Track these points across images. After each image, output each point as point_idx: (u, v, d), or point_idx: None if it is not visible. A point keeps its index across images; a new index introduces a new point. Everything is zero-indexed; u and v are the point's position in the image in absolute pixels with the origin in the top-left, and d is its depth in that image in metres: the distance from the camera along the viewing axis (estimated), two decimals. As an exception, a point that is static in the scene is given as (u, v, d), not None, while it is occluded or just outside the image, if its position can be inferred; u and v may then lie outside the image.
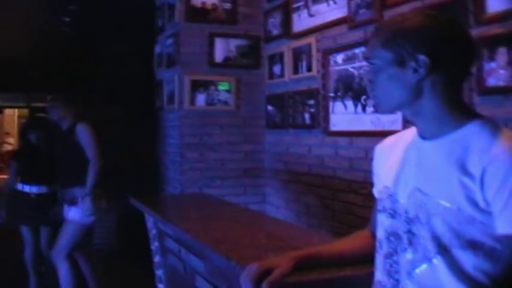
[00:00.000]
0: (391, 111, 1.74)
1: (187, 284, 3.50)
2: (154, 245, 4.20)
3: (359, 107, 4.41)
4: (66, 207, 5.15)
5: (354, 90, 4.47)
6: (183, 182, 5.76)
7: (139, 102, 7.80)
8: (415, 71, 1.59)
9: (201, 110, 5.77)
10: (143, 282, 5.17)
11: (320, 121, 4.96)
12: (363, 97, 4.34)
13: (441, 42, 1.60)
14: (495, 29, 3.19)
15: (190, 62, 5.75)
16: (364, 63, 4.26)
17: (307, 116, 5.16)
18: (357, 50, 4.43)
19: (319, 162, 5.03)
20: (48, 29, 9.19)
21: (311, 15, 5.06)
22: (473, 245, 1.53)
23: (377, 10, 4.17)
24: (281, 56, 5.55)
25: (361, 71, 4.35)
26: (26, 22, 8.88)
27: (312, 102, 5.07)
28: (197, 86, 5.73)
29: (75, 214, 5.06)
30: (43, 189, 5.84)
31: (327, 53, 4.81)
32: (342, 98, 4.61)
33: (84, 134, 5.05)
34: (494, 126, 1.59)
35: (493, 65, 3.17)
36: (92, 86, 9.87)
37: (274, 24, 5.71)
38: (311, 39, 5.04)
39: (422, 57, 1.58)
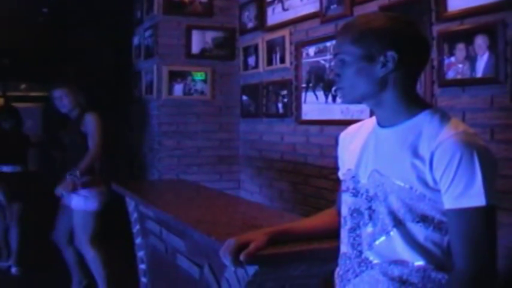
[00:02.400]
0: (355, 102, 1.91)
1: (168, 263, 3.63)
2: (136, 227, 4.30)
3: (329, 98, 4.57)
4: (68, 196, 5.10)
5: (324, 81, 4.63)
6: (161, 168, 5.89)
7: (115, 92, 7.87)
8: (384, 65, 1.77)
9: (178, 99, 5.91)
10: (122, 265, 5.28)
11: (292, 110, 5.10)
12: (333, 88, 4.47)
13: (406, 41, 1.79)
14: (455, 26, 3.39)
15: (168, 53, 5.87)
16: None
17: (280, 105, 5.30)
18: (328, 43, 4.58)
19: (291, 149, 5.16)
20: (25, 18, 9.16)
21: (285, 9, 5.19)
22: (424, 219, 1.73)
23: (347, 6, 4.33)
24: (256, 48, 5.67)
25: (332, 63, 4.51)
26: (2, 11, 8.85)
27: (285, 92, 5.21)
28: (175, 76, 5.86)
29: (77, 202, 5.05)
30: (17, 169, 6.20)
31: (299, 46, 4.96)
32: (314, 89, 4.77)
33: (91, 124, 5.00)
34: (443, 115, 1.79)
35: (452, 59, 3.38)
36: (67, 76, 9.89)
37: (249, 17, 5.83)
38: (285, 32, 5.17)
39: (391, 53, 1.75)
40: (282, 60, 5.24)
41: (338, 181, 2.11)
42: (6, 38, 9.88)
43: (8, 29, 9.57)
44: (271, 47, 5.42)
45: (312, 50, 4.81)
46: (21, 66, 11.52)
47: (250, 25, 5.84)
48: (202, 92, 5.97)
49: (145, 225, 4.10)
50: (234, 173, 6.14)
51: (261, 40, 5.58)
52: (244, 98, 5.99)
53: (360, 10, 4.19)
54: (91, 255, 5.09)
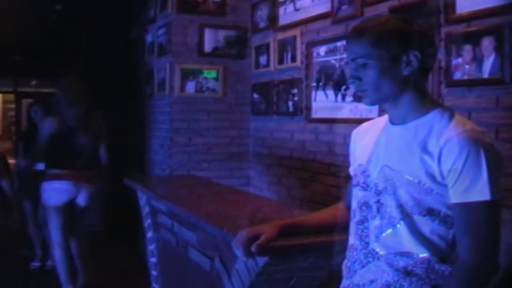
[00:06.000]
0: (379, 103, 1.98)
1: (179, 256, 3.71)
2: (147, 222, 4.37)
3: (339, 96, 4.62)
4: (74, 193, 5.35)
5: (334, 80, 4.68)
6: (172, 164, 5.93)
7: (127, 89, 7.93)
8: (407, 64, 1.84)
9: (190, 96, 5.95)
10: (130, 260, 5.37)
11: (302, 109, 5.15)
12: (343, 87, 4.56)
13: (424, 41, 1.87)
14: (462, 28, 3.44)
15: (181, 51, 5.92)
16: (344, 55, 4.46)
17: (290, 103, 5.34)
18: (339, 43, 4.62)
19: (300, 147, 5.20)
20: (37, 15, 9.20)
21: (296, 9, 5.24)
22: (431, 212, 1.81)
23: (358, 7, 4.37)
24: (267, 47, 5.72)
25: (342, 63, 4.56)
26: (14, 7, 8.90)
27: (295, 91, 5.26)
28: (187, 74, 5.91)
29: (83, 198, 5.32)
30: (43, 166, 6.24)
31: (310, 45, 5.01)
32: (324, 88, 4.82)
33: (102, 127, 5.29)
34: (452, 113, 1.87)
35: (459, 60, 3.43)
36: (78, 72, 9.94)
37: (261, 16, 5.87)
38: (296, 32, 5.22)
39: (415, 53, 1.83)
40: (293, 60, 5.29)
41: (346, 178, 2.17)
42: (18, 34, 9.94)
43: (20, 26, 9.64)
44: (282, 46, 5.46)
45: (322, 50, 4.86)
46: (33, 63, 11.59)
47: (262, 24, 5.88)
48: (213, 90, 6.02)
49: (157, 219, 4.16)
50: (243, 170, 6.18)
51: (272, 39, 5.63)
52: (255, 96, 6.04)
53: (370, 11, 4.23)
54: (56, 254, 5.28)
